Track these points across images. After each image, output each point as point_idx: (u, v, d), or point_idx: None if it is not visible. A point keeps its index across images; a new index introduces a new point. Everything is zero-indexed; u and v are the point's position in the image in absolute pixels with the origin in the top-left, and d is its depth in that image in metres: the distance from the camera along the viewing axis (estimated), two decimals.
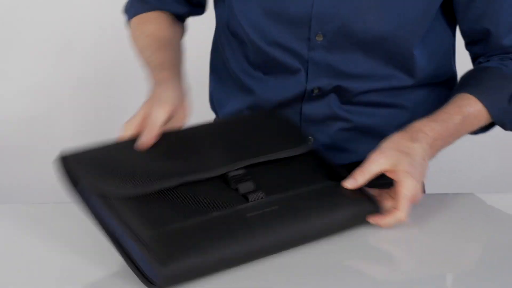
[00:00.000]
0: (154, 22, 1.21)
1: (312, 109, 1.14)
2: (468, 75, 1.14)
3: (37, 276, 0.85)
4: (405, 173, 0.95)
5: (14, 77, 2.22)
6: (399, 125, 1.11)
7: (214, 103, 1.27)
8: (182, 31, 1.27)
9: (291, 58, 1.12)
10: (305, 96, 1.14)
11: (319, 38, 1.10)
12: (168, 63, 1.09)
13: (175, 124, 0.98)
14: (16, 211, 1.05)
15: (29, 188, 2.28)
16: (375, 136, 1.13)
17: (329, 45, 1.10)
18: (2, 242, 0.95)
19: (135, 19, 1.25)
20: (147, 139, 0.93)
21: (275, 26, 1.10)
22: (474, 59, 1.18)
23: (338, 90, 1.13)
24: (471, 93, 1.08)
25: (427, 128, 1.02)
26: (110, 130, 1.18)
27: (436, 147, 1.03)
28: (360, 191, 0.95)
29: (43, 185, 2.26)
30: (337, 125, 1.15)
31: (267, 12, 1.10)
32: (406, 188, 0.95)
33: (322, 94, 1.13)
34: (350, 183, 0.96)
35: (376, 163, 0.97)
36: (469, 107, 1.07)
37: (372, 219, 0.95)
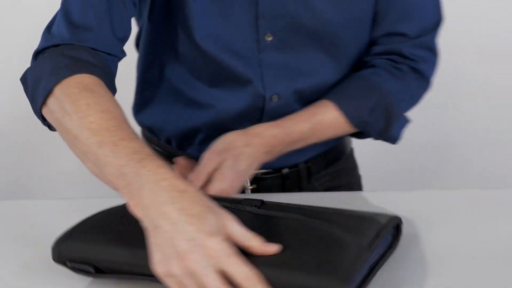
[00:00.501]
0: (102, 93, 0.89)
1: (271, 119, 1.10)
2: (341, 81, 1.13)
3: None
4: (220, 175, 0.98)
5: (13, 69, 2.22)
6: None
7: (152, 127, 1.20)
8: None
9: (243, 64, 1.08)
10: (265, 106, 1.11)
11: (268, 38, 1.07)
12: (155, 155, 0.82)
13: None
14: (17, 207, 1.08)
15: (31, 184, 2.31)
16: None
17: (279, 44, 1.07)
18: (3, 238, 0.96)
19: (65, 84, 0.89)
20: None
21: (224, 29, 1.06)
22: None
23: (297, 95, 1.11)
24: (333, 100, 1.08)
25: (267, 133, 1.04)
26: None
27: (274, 153, 1.05)
28: None
29: (44, 181, 2.32)
30: None
31: (217, 15, 1.05)
32: (211, 188, 0.97)
33: (282, 102, 1.11)
34: None
35: (210, 164, 0.99)
36: (322, 115, 1.08)
37: None
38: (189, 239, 0.71)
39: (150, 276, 0.76)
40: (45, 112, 0.92)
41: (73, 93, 0.88)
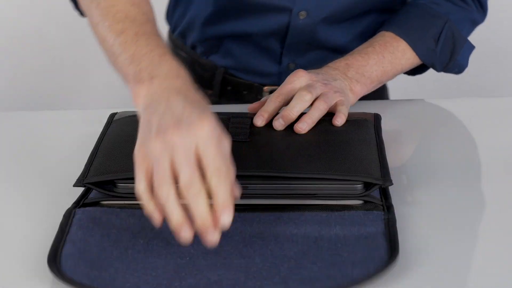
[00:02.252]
0: None
1: (296, 36, 1.09)
2: (398, 12, 1.09)
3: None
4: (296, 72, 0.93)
5: None
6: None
7: (180, 29, 1.19)
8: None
9: None
10: (291, 22, 1.07)
11: None
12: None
13: None
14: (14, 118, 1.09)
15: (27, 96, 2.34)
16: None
17: None
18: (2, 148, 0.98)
19: None
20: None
21: None
22: None
23: (327, 16, 1.07)
24: (394, 32, 1.04)
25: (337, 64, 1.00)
26: None
27: (355, 78, 0.98)
28: None
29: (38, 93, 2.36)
30: (322, 50, 1.12)
31: None
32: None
33: (310, 21, 1.07)
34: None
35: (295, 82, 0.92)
36: (394, 53, 1.03)
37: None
38: (178, 118, 0.67)
39: None
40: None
41: None
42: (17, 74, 2.33)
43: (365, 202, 0.79)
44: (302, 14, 1.07)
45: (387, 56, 1.02)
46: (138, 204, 0.73)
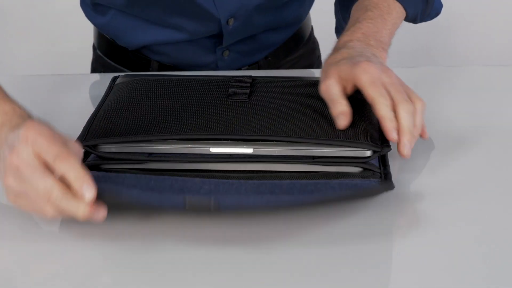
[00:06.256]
0: None
1: (233, 37, 1.09)
2: None
3: None
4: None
5: None
6: None
7: (108, 35, 1.15)
8: None
9: None
10: (223, 31, 1.06)
11: None
12: None
13: None
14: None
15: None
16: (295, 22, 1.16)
17: None
18: None
19: None
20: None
21: None
22: None
23: (256, 10, 1.06)
24: None
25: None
26: None
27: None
28: None
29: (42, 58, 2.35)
30: (263, 35, 1.13)
31: None
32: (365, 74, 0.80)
33: (240, 24, 1.07)
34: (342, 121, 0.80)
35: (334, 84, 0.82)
36: (393, 13, 0.97)
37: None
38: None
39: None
40: None
41: None
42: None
43: (364, 169, 0.78)
44: (231, 21, 1.06)
45: (387, 17, 0.95)
46: (136, 168, 0.78)
